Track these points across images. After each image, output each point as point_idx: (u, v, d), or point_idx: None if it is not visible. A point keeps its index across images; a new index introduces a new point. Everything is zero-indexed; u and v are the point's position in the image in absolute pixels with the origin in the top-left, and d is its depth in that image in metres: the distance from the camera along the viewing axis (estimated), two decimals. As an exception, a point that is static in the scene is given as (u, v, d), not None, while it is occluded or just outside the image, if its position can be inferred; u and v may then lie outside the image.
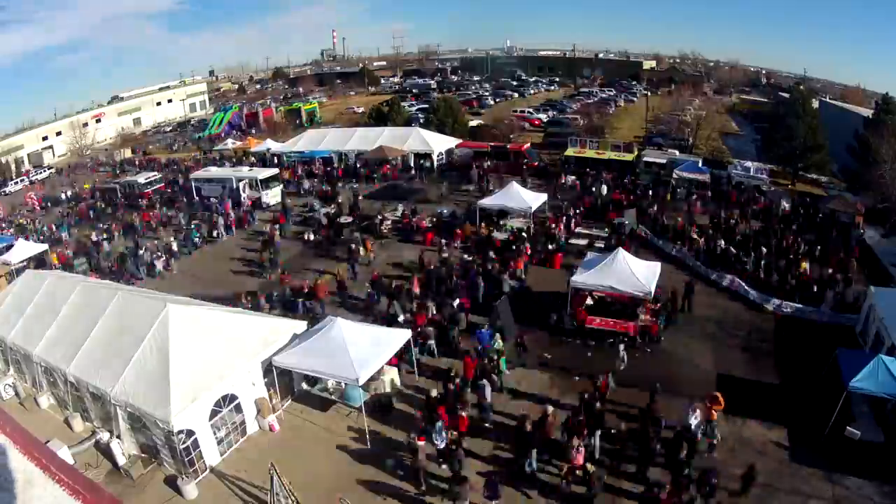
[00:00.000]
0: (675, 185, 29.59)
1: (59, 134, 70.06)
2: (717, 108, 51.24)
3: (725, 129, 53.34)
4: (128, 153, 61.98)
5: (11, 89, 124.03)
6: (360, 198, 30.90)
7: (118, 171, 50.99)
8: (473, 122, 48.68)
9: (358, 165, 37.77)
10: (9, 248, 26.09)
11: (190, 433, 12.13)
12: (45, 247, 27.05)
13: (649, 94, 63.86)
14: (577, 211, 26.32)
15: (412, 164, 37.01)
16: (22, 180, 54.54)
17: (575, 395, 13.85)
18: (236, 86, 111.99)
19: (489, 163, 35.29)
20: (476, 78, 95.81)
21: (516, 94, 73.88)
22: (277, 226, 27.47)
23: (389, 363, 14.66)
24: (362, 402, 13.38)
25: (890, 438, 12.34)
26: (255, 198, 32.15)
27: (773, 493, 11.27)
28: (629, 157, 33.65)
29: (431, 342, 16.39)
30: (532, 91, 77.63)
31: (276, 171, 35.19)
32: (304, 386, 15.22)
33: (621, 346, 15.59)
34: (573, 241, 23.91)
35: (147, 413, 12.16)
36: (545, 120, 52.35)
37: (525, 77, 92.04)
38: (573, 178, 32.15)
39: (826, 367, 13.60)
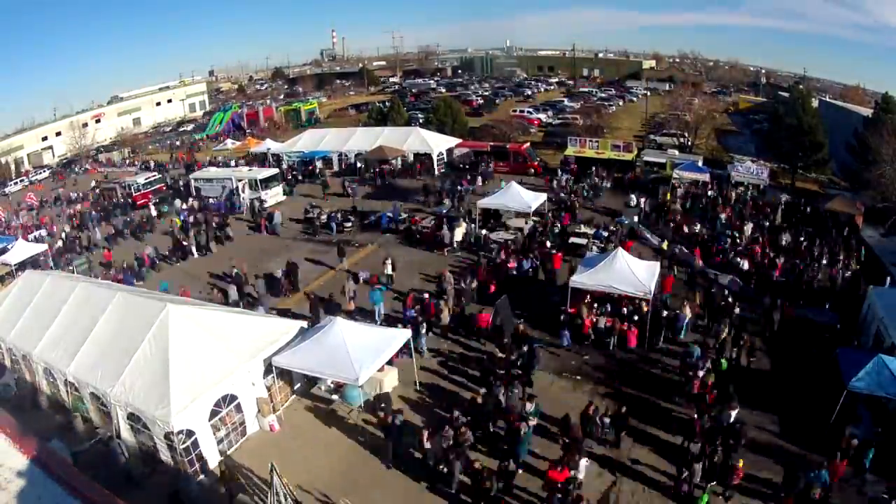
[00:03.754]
0: (674, 185, 29.60)
1: (58, 134, 70.06)
2: (717, 109, 51.21)
3: (724, 128, 53.27)
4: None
5: (11, 89, 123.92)
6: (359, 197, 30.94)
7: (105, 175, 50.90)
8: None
9: (358, 165, 37.78)
10: (5, 249, 26.04)
11: (190, 433, 12.12)
12: (44, 247, 27.01)
13: (649, 94, 63.83)
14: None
15: (410, 164, 37.00)
16: (22, 181, 54.50)
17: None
18: (236, 86, 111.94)
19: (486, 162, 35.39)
20: (475, 78, 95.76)
21: (514, 94, 73.64)
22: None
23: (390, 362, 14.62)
24: (362, 402, 13.37)
25: (890, 438, 12.33)
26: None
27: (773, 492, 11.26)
28: (629, 156, 33.69)
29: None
30: (531, 91, 77.52)
31: (276, 171, 35.17)
32: (305, 385, 15.22)
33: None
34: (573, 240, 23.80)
35: (147, 413, 12.15)
36: (545, 120, 52.36)
37: (525, 77, 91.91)
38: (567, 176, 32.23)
39: (825, 367, 13.59)
